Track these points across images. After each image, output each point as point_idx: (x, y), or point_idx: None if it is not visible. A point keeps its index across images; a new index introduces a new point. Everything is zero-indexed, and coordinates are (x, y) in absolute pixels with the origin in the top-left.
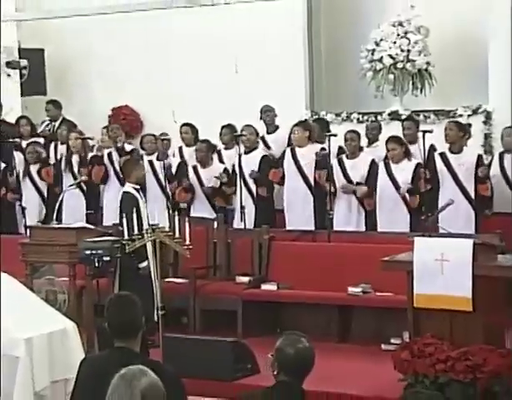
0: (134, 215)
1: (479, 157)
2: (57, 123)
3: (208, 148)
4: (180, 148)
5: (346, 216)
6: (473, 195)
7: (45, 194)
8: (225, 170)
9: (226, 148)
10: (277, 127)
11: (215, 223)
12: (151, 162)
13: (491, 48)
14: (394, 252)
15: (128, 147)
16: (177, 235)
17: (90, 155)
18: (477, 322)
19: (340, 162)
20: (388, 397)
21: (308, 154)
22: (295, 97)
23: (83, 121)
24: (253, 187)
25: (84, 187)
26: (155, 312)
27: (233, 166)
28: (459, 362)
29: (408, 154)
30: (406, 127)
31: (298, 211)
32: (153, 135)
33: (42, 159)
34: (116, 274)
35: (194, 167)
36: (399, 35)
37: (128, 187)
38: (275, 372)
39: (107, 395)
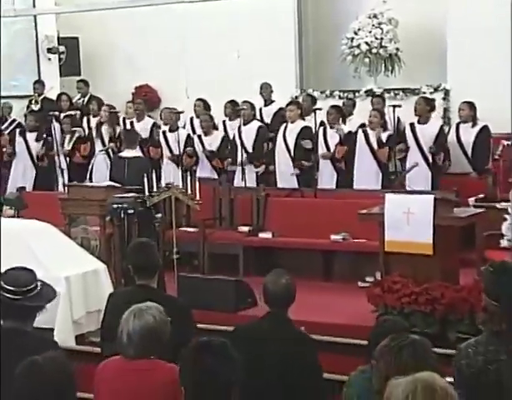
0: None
1: (441, 127)
2: (86, 99)
3: (211, 119)
4: (191, 119)
5: (327, 176)
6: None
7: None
8: (224, 137)
9: (230, 120)
10: (272, 102)
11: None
12: (164, 133)
13: (449, 36)
14: (369, 206)
15: (149, 121)
16: (189, 192)
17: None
18: (436, 264)
19: (324, 131)
20: (362, 325)
21: (295, 128)
22: (287, 78)
23: (110, 97)
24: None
25: (111, 153)
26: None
27: (234, 135)
28: (421, 296)
29: (385, 126)
30: (376, 103)
31: (285, 173)
32: (170, 108)
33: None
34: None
35: (199, 136)
36: (373, 25)
37: (137, 153)
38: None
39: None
